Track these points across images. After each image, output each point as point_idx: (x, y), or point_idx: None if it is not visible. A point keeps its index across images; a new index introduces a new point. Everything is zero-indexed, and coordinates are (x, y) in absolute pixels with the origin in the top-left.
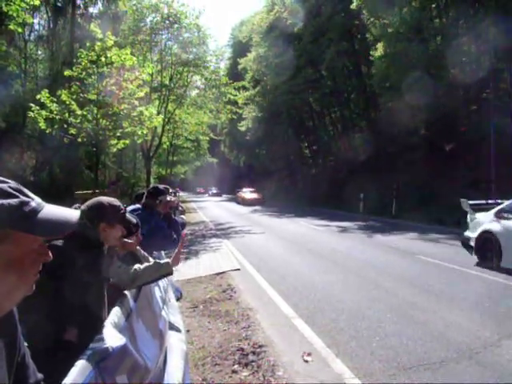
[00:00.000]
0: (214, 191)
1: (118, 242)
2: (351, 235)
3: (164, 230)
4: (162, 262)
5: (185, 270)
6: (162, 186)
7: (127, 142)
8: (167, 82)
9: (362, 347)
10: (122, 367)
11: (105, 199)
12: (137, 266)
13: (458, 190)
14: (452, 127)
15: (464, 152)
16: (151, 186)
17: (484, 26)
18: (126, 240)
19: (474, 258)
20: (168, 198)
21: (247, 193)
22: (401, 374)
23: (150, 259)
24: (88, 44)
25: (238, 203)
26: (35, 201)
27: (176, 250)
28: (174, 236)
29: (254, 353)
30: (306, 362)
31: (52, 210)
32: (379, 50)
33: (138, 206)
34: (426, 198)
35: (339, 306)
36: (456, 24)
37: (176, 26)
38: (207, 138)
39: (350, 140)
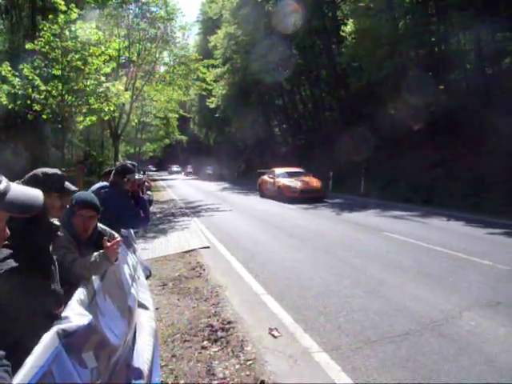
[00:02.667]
0: (190, 170)
1: (59, 212)
2: (320, 213)
3: (131, 208)
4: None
5: (154, 248)
6: (129, 163)
7: (94, 118)
8: (135, 58)
9: (330, 322)
10: (88, 344)
11: (40, 170)
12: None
13: (425, 170)
14: (420, 108)
15: (432, 132)
16: (119, 163)
17: (453, 9)
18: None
19: (439, 235)
20: (136, 176)
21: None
22: (366, 347)
23: (116, 235)
24: (50, 16)
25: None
26: (4, 180)
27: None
28: (142, 214)
29: (223, 329)
30: (275, 337)
31: (20, 190)
32: (349, 26)
33: (105, 183)
34: (394, 177)
35: (308, 282)
36: (425, 4)
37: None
38: (176, 116)
39: (320, 119)
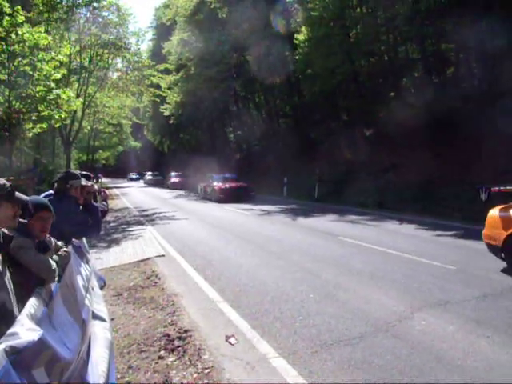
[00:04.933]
0: (151, 177)
1: (11, 221)
2: (275, 219)
3: (76, 215)
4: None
5: (108, 258)
6: (77, 172)
7: (44, 126)
8: (87, 64)
9: (286, 327)
10: (38, 360)
11: None
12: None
13: (377, 174)
14: (371, 113)
15: (382, 137)
16: (64, 171)
17: (401, 19)
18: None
19: (391, 238)
20: (83, 183)
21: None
22: (323, 351)
23: (64, 248)
24: None
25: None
26: None
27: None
28: (91, 221)
29: (179, 338)
30: (232, 344)
31: None
32: (303, 34)
33: (51, 191)
34: (348, 182)
35: (264, 288)
36: (375, 14)
37: (94, 4)
38: (130, 122)
39: (274, 125)
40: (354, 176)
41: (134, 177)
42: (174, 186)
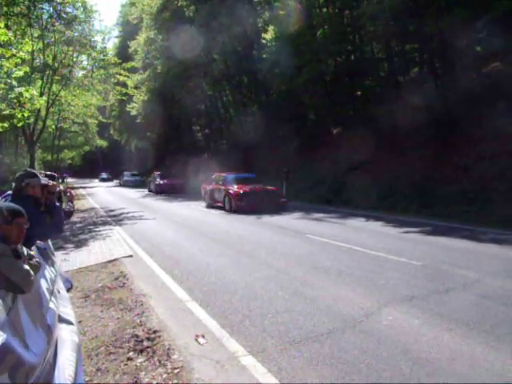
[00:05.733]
0: (129, 178)
1: None
2: (242, 217)
3: (32, 215)
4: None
5: (75, 259)
6: (40, 171)
7: (6, 125)
8: (50, 62)
9: (255, 325)
10: (2, 366)
11: None
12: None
13: (344, 172)
14: (339, 112)
15: (350, 136)
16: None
17: (366, 18)
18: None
19: (358, 235)
20: (43, 182)
21: None
22: (291, 348)
23: (36, 258)
24: None
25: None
26: None
27: None
28: (50, 222)
29: (148, 339)
30: (201, 344)
31: None
32: (270, 33)
33: (9, 192)
34: (315, 180)
35: (232, 287)
36: (342, 13)
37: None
38: (96, 121)
39: (242, 124)
40: (321, 174)
41: (105, 177)
42: (160, 189)
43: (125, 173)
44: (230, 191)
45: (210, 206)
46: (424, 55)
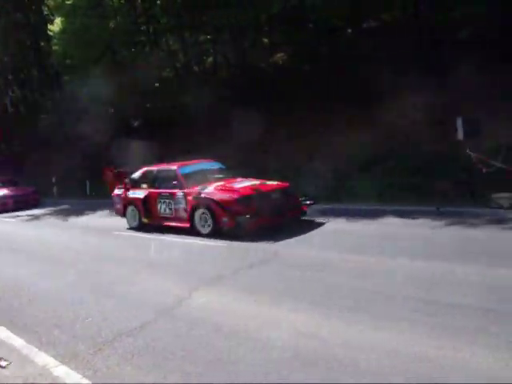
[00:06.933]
0: None
1: None
2: (45, 222)
3: None
4: None
5: None
6: None
7: None
8: None
9: (65, 333)
10: None
11: None
12: None
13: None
14: (138, 105)
15: (151, 129)
16: None
17: (158, 9)
18: None
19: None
20: None
21: None
22: (105, 348)
23: None
24: None
25: None
26: None
27: None
28: None
29: None
30: (3, 367)
31: None
32: (57, 24)
33: None
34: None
35: (39, 298)
36: (134, 3)
37: None
38: None
39: (37, 121)
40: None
41: None
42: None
43: None
44: (213, 197)
45: (140, 227)
46: (217, 46)
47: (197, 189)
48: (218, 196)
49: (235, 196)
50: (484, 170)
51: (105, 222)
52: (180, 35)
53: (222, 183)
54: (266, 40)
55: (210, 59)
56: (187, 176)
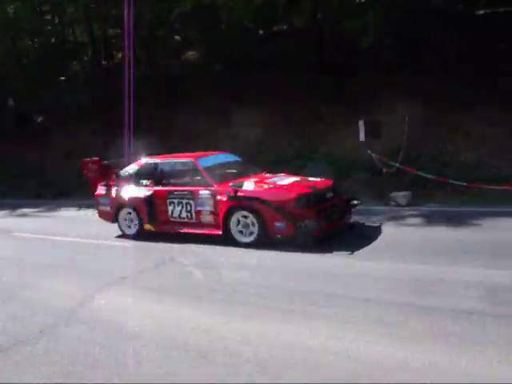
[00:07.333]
0: None
1: None
2: None
3: None
4: None
5: None
6: None
7: None
8: None
9: None
10: None
11: None
12: None
13: (57, 163)
14: (39, 97)
15: (56, 124)
16: None
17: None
18: None
19: (69, 226)
20: None
21: None
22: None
23: None
24: None
25: None
26: None
27: None
28: None
29: None
30: None
31: None
32: None
33: None
34: (22, 174)
35: None
36: None
37: None
38: None
39: None
40: (28, 167)
41: None
42: None
43: None
44: (260, 196)
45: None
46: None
47: (230, 186)
48: (269, 195)
49: (293, 195)
50: (384, 171)
51: (3, 223)
52: (89, 27)
53: (256, 179)
54: (177, 37)
55: (120, 54)
56: (210, 170)
